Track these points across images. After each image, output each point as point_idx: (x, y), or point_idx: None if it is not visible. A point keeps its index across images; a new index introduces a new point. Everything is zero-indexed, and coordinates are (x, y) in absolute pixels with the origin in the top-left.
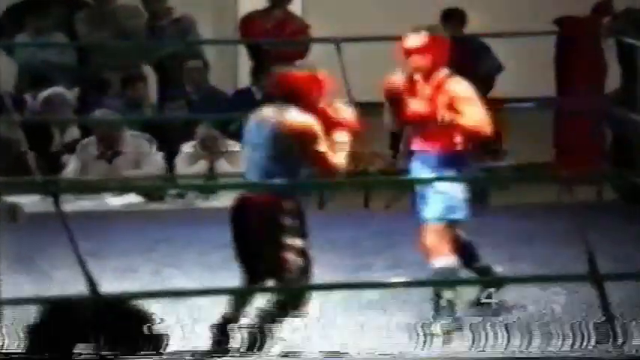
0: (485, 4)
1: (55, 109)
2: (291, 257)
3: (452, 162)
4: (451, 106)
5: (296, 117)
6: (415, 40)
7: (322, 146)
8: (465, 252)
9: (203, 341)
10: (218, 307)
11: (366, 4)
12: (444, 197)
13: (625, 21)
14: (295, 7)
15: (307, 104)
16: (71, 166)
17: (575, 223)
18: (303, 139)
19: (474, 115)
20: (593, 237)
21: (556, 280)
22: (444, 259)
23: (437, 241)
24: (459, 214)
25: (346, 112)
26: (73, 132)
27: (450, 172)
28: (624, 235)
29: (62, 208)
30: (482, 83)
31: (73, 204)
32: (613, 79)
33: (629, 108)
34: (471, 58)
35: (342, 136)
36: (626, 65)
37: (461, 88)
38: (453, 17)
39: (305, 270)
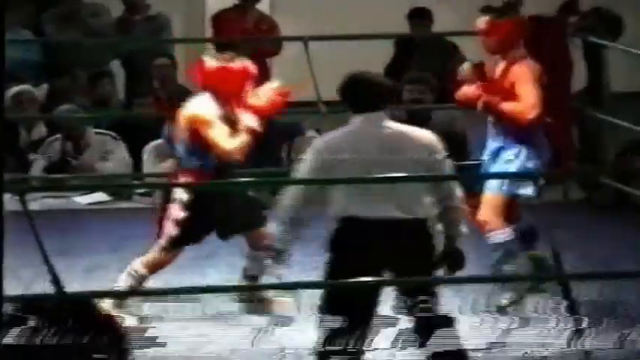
0: (453, 3)
1: (22, 106)
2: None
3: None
4: (511, 89)
5: (189, 106)
6: (481, 22)
7: (213, 132)
8: (526, 236)
9: (170, 340)
10: (186, 306)
11: (333, 3)
12: (510, 168)
13: (591, 20)
14: (263, 6)
15: (220, 93)
16: (37, 165)
17: (542, 222)
18: (192, 127)
19: (525, 98)
20: (560, 236)
21: (523, 279)
22: (500, 234)
23: (493, 214)
24: (525, 189)
25: (259, 97)
26: (41, 130)
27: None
28: (590, 234)
29: (28, 206)
30: (452, 83)
31: (39, 202)
32: (579, 78)
33: (595, 107)
34: (440, 57)
35: (248, 120)
36: (591, 64)
37: (521, 70)
38: (420, 16)
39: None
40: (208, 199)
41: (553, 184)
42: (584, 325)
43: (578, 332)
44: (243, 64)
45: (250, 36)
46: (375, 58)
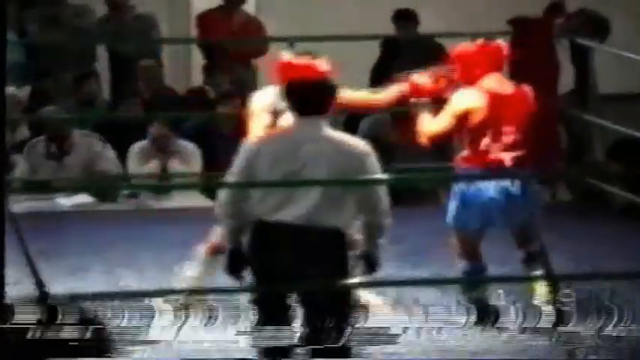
0: (439, 5)
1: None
2: None
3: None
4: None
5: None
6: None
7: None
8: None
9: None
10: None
11: (319, 4)
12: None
13: (578, 21)
14: (249, 7)
15: None
16: (20, 166)
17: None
18: None
19: (431, 124)
20: (548, 237)
21: (512, 280)
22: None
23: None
24: (461, 223)
25: None
26: (23, 131)
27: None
28: (578, 236)
29: (11, 208)
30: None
31: (22, 204)
32: (566, 80)
33: (582, 108)
34: (425, 59)
35: None
36: (579, 66)
37: (453, 97)
38: (405, 18)
39: None
40: None
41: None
42: (572, 324)
43: (565, 332)
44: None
45: (236, 37)
46: (361, 60)
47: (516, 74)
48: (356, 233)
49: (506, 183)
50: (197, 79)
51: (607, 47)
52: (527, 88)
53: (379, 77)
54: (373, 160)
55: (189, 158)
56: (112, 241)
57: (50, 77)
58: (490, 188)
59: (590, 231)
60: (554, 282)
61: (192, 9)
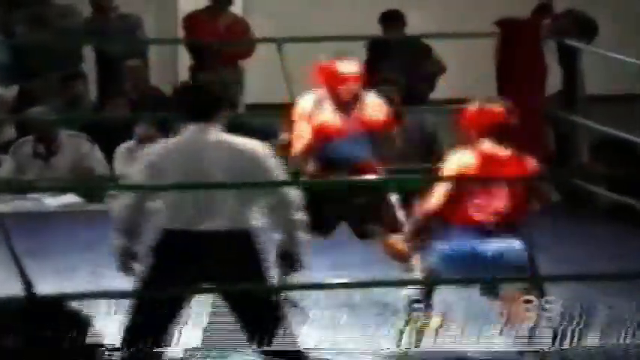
0: (427, 6)
1: None
2: None
3: None
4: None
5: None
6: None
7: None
8: None
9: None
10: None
11: (306, 5)
12: None
13: (565, 22)
14: (236, 8)
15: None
16: (5, 166)
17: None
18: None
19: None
20: (535, 238)
21: (498, 281)
22: None
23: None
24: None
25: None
26: (10, 132)
27: None
28: (565, 236)
29: None
30: (425, 84)
31: (8, 204)
32: (553, 81)
33: (569, 110)
34: (413, 59)
35: None
36: (566, 67)
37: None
38: (393, 19)
39: None
40: None
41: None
42: (559, 326)
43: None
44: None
45: (223, 38)
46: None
47: (504, 75)
48: (274, 233)
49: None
50: (184, 79)
51: (594, 48)
52: (523, 154)
53: (366, 78)
54: (272, 159)
55: None
56: (99, 241)
57: (37, 78)
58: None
59: (576, 232)
60: (541, 283)
61: (180, 10)
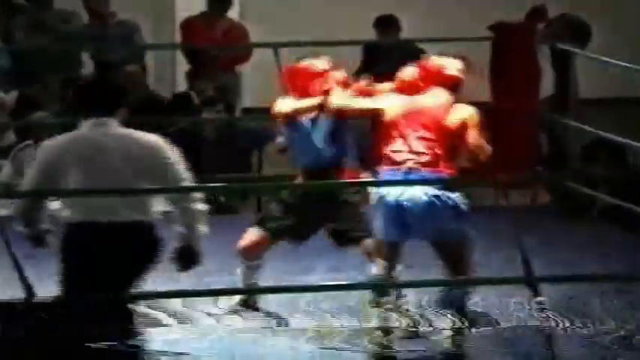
0: (421, 11)
1: None
2: None
3: None
4: None
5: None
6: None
7: None
8: None
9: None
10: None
11: (302, 11)
12: None
13: (559, 27)
14: (233, 13)
15: None
16: (4, 171)
17: (511, 225)
18: None
19: None
20: (528, 239)
21: (492, 282)
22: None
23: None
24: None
25: None
26: (10, 137)
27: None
28: (558, 238)
29: None
30: None
31: (8, 209)
32: (546, 84)
33: (562, 113)
34: (405, 63)
35: None
36: (559, 70)
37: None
38: (387, 24)
39: None
40: None
41: (520, 189)
42: (552, 325)
43: (546, 333)
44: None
45: (220, 43)
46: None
47: (498, 79)
48: (175, 226)
49: (417, 191)
50: (182, 84)
51: (586, 52)
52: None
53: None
54: (173, 152)
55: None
56: None
57: (37, 83)
58: (400, 195)
59: (568, 233)
60: (534, 284)
61: (177, 16)
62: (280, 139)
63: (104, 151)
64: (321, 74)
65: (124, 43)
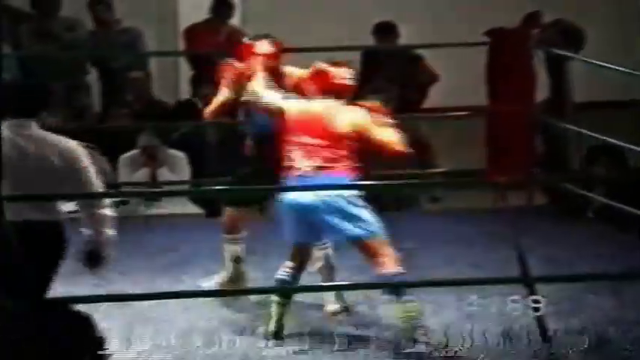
0: (419, 17)
1: None
2: None
3: None
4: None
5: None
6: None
7: None
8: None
9: (146, 344)
10: (162, 311)
11: (303, 16)
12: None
13: (554, 32)
14: (235, 20)
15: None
16: None
17: (508, 226)
18: None
19: None
20: (525, 240)
21: (489, 282)
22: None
23: (387, 250)
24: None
25: None
26: None
27: None
28: (553, 238)
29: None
30: (417, 93)
31: None
32: (541, 89)
33: (557, 117)
34: (405, 69)
35: None
36: (554, 75)
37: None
38: (386, 30)
39: None
40: None
41: (516, 190)
42: (549, 326)
43: (543, 334)
44: None
45: (223, 49)
46: None
47: (494, 83)
48: (84, 228)
49: (308, 195)
50: (185, 91)
51: (580, 57)
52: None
53: (359, 88)
54: (85, 157)
55: (177, 167)
56: None
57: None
58: (294, 199)
59: (564, 233)
60: (531, 284)
61: (180, 23)
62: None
63: (19, 150)
64: (257, 55)
65: (128, 50)
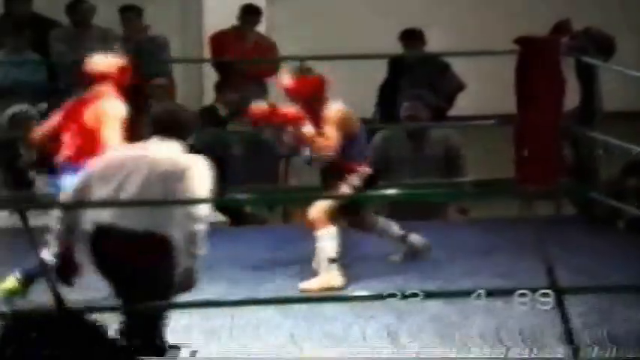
0: (448, 25)
1: (20, 125)
2: None
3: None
4: None
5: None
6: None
7: None
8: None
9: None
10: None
11: (330, 24)
12: None
13: (584, 40)
14: (261, 27)
15: None
16: (39, 182)
17: (536, 236)
18: None
19: None
20: (553, 250)
21: (517, 292)
22: None
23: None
24: None
25: None
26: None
27: None
28: (582, 248)
29: (29, 223)
30: (444, 101)
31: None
32: (571, 97)
33: (587, 125)
34: (432, 77)
35: None
36: (584, 83)
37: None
38: (413, 37)
39: None
40: None
41: (545, 200)
42: (577, 337)
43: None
44: None
45: (249, 56)
46: (369, 77)
47: (523, 92)
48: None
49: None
50: (209, 98)
51: (612, 66)
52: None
53: (386, 95)
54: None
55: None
56: None
57: (67, 94)
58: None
59: (594, 244)
60: (560, 294)
61: (205, 31)
62: (306, 152)
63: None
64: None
65: (155, 58)
